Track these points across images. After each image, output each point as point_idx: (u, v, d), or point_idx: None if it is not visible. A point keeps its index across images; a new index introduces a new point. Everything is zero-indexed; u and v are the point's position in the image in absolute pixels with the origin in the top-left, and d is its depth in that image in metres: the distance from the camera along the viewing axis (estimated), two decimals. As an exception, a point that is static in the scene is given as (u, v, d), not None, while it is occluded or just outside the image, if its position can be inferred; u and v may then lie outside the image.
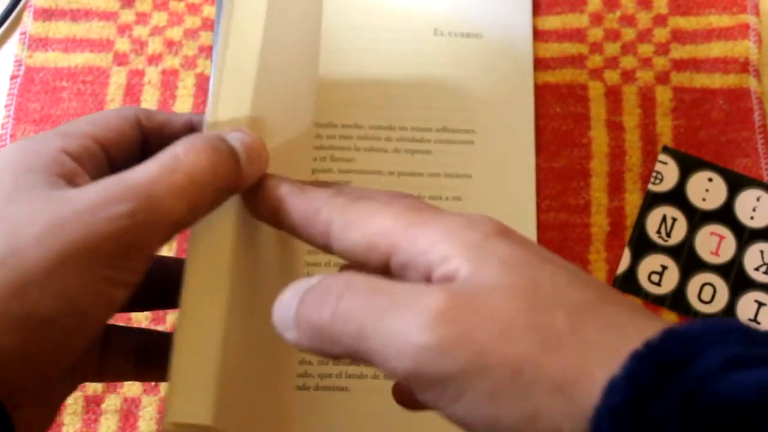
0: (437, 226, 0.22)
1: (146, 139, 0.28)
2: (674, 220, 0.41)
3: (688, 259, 0.40)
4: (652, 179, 0.41)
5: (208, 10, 0.44)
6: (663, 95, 0.42)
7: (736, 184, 0.41)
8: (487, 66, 0.42)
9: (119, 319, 0.38)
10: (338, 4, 0.43)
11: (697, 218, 0.41)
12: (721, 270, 0.40)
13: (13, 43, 0.43)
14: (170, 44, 0.43)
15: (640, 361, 0.18)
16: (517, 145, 0.42)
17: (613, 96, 0.42)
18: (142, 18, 0.44)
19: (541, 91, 0.43)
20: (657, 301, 0.40)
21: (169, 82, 0.42)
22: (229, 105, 0.26)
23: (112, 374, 0.29)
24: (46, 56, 0.43)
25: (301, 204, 0.24)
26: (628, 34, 0.43)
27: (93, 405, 0.37)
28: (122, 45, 0.43)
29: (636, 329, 0.19)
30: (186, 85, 0.43)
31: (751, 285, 0.40)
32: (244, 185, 0.25)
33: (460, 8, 0.43)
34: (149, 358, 0.29)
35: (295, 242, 0.33)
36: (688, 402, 0.17)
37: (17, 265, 0.21)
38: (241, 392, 0.26)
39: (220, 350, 0.24)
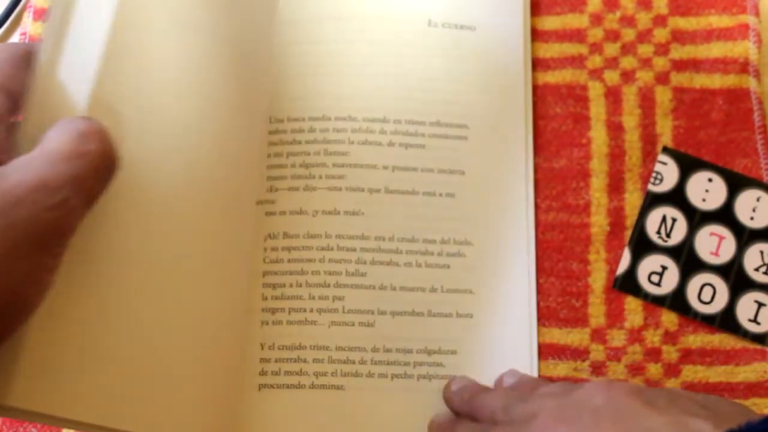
0: None
1: None
2: (674, 220, 0.41)
3: (688, 260, 0.41)
4: (652, 179, 0.42)
5: None
6: (663, 95, 0.43)
7: (736, 184, 0.42)
8: (479, 59, 0.43)
9: None
10: None
11: (697, 218, 0.41)
12: (721, 270, 0.41)
13: (13, 43, 0.44)
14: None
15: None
16: (510, 141, 0.42)
17: (613, 96, 0.43)
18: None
19: (541, 91, 0.44)
20: (657, 302, 0.40)
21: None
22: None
23: None
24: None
25: None
26: (628, 34, 0.44)
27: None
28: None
29: None
30: None
31: (751, 285, 0.40)
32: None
33: None
34: None
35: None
36: None
37: None
38: (103, 381, 0.28)
39: (31, 331, 0.25)
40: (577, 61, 0.44)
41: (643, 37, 0.44)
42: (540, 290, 0.41)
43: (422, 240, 0.40)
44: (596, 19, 0.44)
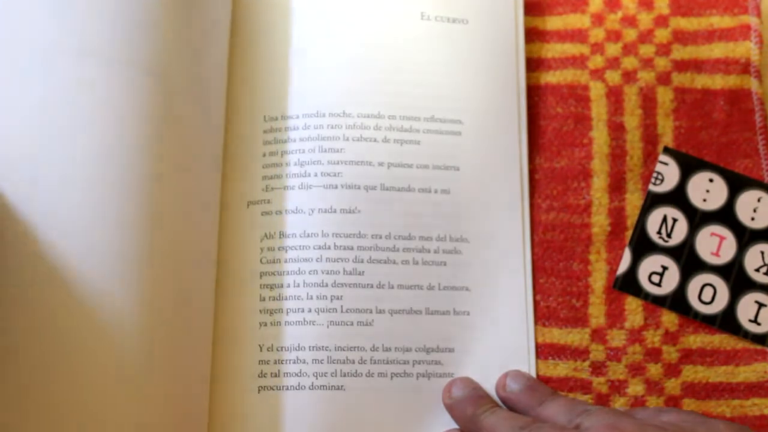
0: None
1: None
2: (675, 220, 0.42)
3: (688, 260, 0.41)
4: (652, 180, 0.43)
5: None
6: (664, 96, 0.44)
7: (737, 184, 0.42)
8: (472, 53, 0.43)
9: None
10: None
11: (697, 219, 0.42)
12: (722, 271, 0.41)
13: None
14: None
15: None
16: (503, 137, 0.43)
17: (614, 96, 0.44)
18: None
19: (542, 92, 0.44)
20: (657, 302, 0.41)
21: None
22: None
23: None
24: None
25: None
26: (630, 34, 0.45)
27: None
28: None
29: None
30: None
31: (752, 286, 0.41)
32: None
33: None
34: None
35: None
36: None
37: None
38: None
39: None
40: (578, 62, 0.44)
41: (645, 37, 0.45)
42: (540, 290, 0.41)
43: (419, 237, 0.41)
44: (598, 20, 0.45)
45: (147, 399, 0.34)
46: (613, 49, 0.45)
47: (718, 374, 0.40)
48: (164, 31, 0.37)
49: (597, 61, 0.44)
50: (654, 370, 0.40)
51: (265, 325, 0.39)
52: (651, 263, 0.41)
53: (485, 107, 0.43)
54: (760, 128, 0.43)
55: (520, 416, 0.37)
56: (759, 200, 0.42)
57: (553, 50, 0.45)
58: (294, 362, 0.39)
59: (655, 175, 0.43)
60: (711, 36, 0.45)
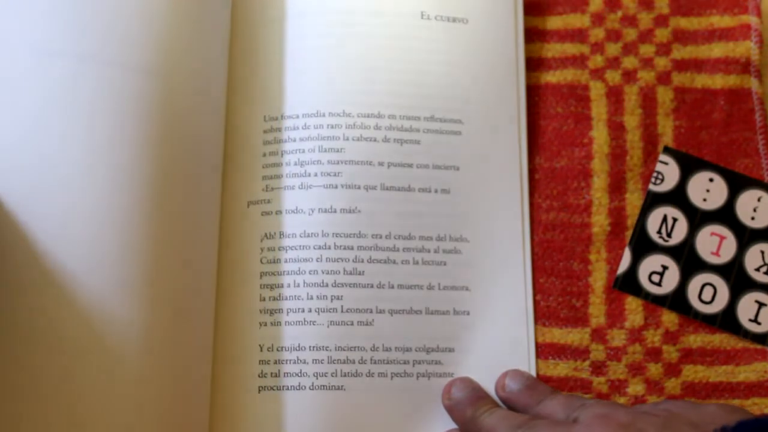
0: None
1: None
2: (675, 220, 0.42)
3: (688, 260, 0.42)
4: (652, 179, 0.43)
5: None
6: (664, 95, 0.44)
7: (737, 184, 0.42)
8: (472, 52, 0.44)
9: None
10: None
11: (697, 218, 0.42)
12: (722, 270, 0.41)
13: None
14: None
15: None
16: (503, 136, 0.43)
17: (615, 96, 0.44)
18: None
19: (542, 91, 0.44)
20: (657, 301, 0.41)
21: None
22: None
23: None
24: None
25: None
26: (630, 34, 0.45)
27: None
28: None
29: None
30: None
31: (752, 285, 0.41)
32: None
33: None
34: None
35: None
36: None
37: None
38: None
39: None
40: (578, 61, 0.45)
41: (645, 37, 0.45)
42: (541, 290, 0.42)
43: (418, 237, 0.41)
44: (598, 19, 0.45)
45: (148, 399, 0.34)
46: (613, 49, 0.45)
47: (718, 374, 0.40)
48: (164, 32, 0.37)
49: (597, 61, 0.45)
50: (654, 369, 0.40)
51: (265, 325, 0.39)
52: (651, 263, 0.42)
53: (485, 107, 0.43)
54: (760, 128, 0.43)
55: (518, 415, 0.37)
56: (759, 200, 0.42)
57: (553, 50, 0.45)
58: (294, 362, 0.39)
59: (655, 174, 0.43)
60: (711, 36, 0.45)
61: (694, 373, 0.40)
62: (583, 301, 0.41)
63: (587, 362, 0.41)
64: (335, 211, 0.40)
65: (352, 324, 0.40)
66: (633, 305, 0.41)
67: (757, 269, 0.41)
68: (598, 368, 0.40)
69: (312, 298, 0.39)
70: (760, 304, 0.41)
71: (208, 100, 0.40)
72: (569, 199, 0.43)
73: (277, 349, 0.39)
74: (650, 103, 0.44)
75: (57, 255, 0.33)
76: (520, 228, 0.42)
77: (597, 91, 0.44)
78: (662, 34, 0.45)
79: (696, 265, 0.42)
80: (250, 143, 0.42)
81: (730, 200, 0.42)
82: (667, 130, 0.44)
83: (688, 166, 0.43)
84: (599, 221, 0.42)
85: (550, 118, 0.44)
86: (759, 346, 0.41)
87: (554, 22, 0.45)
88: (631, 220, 0.43)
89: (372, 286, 0.40)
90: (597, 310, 0.41)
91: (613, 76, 0.44)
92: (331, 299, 0.40)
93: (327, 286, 0.40)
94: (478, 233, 0.42)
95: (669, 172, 0.43)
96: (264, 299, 0.40)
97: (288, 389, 0.39)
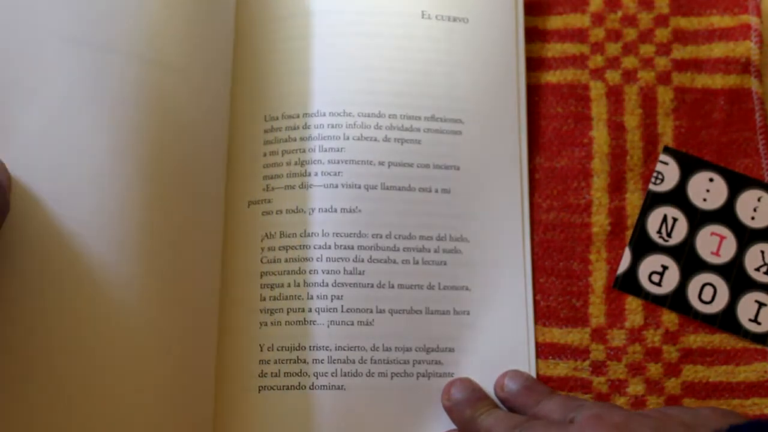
0: None
1: None
2: (675, 220, 0.42)
3: (688, 260, 0.42)
4: (653, 179, 0.43)
5: None
6: (664, 95, 0.44)
7: (737, 184, 0.43)
8: (472, 52, 0.44)
9: None
10: None
11: (697, 218, 0.42)
12: (722, 270, 0.41)
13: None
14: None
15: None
16: (503, 136, 0.43)
17: (615, 96, 0.44)
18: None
19: (542, 91, 0.44)
20: (657, 301, 0.41)
21: None
22: None
23: None
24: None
25: None
26: (630, 34, 0.45)
27: None
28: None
29: None
30: None
31: (752, 285, 0.41)
32: None
33: None
34: None
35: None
36: None
37: None
38: None
39: None
40: (578, 61, 0.45)
41: (645, 36, 0.45)
42: (541, 290, 0.42)
43: (419, 237, 0.41)
44: (598, 19, 0.45)
45: (155, 398, 0.34)
46: (613, 49, 0.45)
47: (718, 374, 0.40)
48: (181, 28, 0.37)
49: (597, 61, 0.45)
50: (654, 369, 0.41)
51: (266, 324, 0.40)
52: (651, 263, 0.42)
53: (486, 106, 0.43)
54: (760, 128, 0.44)
55: (515, 416, 0.37)
56: (759, 200, 0.42)
57: (553, 50, 0.45)
58: (294, 362, 0.39)
59: (655, 174, 0.43)
60: (711, 35, 0.45)
61: (694, 373, 0.40)
62: (583, 301, 0.41)
63: (587, 362, 0.41)
64: (335, 211, 0.41)
65: (352, 324, 0.40)
66: (633, 305, 0.41)
67: (757, 269, 0.41)
68: (598, 368, 0.41)
69: (312, 298, 0.40)
70: (760, 304, 0.41)
71: (217, 97, 0.40)
72: (569, 199, 0.43)
73: (277, 349, 0.39)
74: (650, 103, 0.44)
75: (77, 243, 0.33)
76: (520, 228, 0.42)
77: (597, 91, 0.44)
78: (662, 34, 0.45)
79: (696, 265, 0.42)
80: (251, 143, 0.42)
81: (730, 200, 0.42)
82: (667, 130, 0.44)
83: (688, 166, 0.43)
84: (599, 221, 0.43)
85: (550, 118, 0.44)
86: (759, 346, 0.41)
87: (554, 22, 0.46)
88: (631, 220, 0.43)
89: (372, 286, 0.40)
90: (597, 310, 0.41)
91: (613, 76, 0.44)
92: (332, 299, 0.40)
93: (327, 285, 0.40)
94: (478, 233, 0.42)
95: (669, 172, 0.43)
96: (264, 299, 0.40)
97: (288, 389, 0.39)
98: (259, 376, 0.39)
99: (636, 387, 0.40)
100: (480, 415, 0.38)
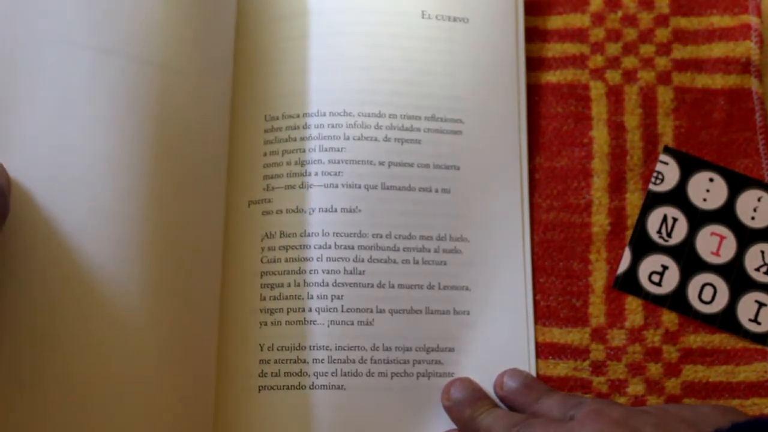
0: None
1: None
2: (675, 220, 0.42)
3: (688, 260, 0.42)
4: (653, 179, 0.43)
5: None
6: (664, 95, 0.44)
7: (737, 184, 0.43)
8: (472, 52, 0.44)
9: None
10: None
11: (697, 218, 0.42)
12: (722, 270, 0.41)
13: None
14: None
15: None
16: (503, 136, 0.43)
17: (615, 96, 0.44)
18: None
19: (542, 91, 0.44)
20: (657, 301, 0.41)
21: None
22: None
23: None
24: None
25: None
26: (630, 34, 0.45)
27: None
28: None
29: None
30: None
31: (752, 285, 0.41)
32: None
33: None
34: None
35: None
36: None
37: None
38: None
39: None
40: (578, 61, 0.45)
41: (645, 36, 0.45)
42: (541, 289, 0.42)
43: (419, 237, 0.41)
44: (598, 19, 0.45)
45: (155, 397, 0.34)
46: (613, 49, 0.45)
47: (718, 374, 0.40)
48: (181, 29, 0.37)
49: (597, 61, 0.45)
50: (654, 369, 0.41)
51: (266, 324, 0.40)
52: (651, 263, 0.42)
53: (486, 106, 0.43)
54: (760, 128, 0.44)
55: (515, 414, 0.37)
56: (759, 200, 0.42)
57: (553, 50, 0.45)
58: (294, 362, 0.39)
59: (655, 174, 0.43)
60: (711, 35, 0.45)
61: (694, 373, 0.40)
62: (583, 300, 0.41)
63: (587, 362, 0.41)
64: (336, 211, 0.41)
65: (352, 324, 0.40)
66: (633, 305, 0.41)
67: (757, 269, 0.41)
68: (598, 368, 0.41)
69: (312, 298, 0.40)
70: (760, 304, 0.41)
71: (218, 97, 0.40)
72: (569, 199, 0.43)
73: (278, 349, 0.39)
74: (650, 103, 0.44)
75: (77, 245, 0.33)
76: (520, 228, 0.42)
77: (597, 90, 0.44)
78: (662, 34, 0.45)
79: (696, 265, 0.42)
80: (251, 143, 0.42)
81: (730, 200, 0.42)
82: (667, 130, 0.44)
83: (688, 166, 0.43)
84: (599, 221, 0.43)
85: (550, 118, 0.44)
86: (759, 346, 0.41)
87: (554, 22, 0.46)
88: (631, 219, 0.43)
89: (372, 286, 0.40)
90: (597, 310, 0.41)
91: (613, 76, 0.44)
92: (332, 299, 0.40)
93: (327, 285, 0.40)
94: (479, 233, 0.42)
95: (669, 172, 0.43)
96: (264, 299, 0.40)
97: (288, 389, 0.39)
98: (259, 375, 0.39)
99: (636, 387, 0.40)
100: (480, 414, 0.38)
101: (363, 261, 0.40)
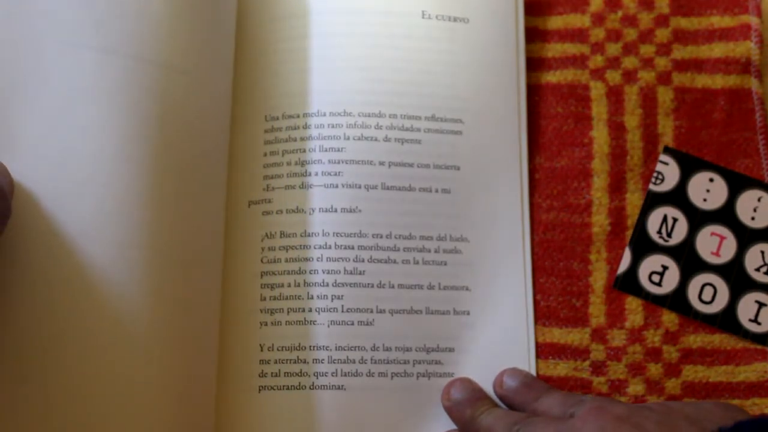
0: None
1: None
2: (675, 220, 0.42)
3: (688, 260, 0.42)
4: (653, 179, 0.43)
5: None
6: (664, 95, 0.44)
7: (737, 184, 0.43)
8: (473, 52, 0.44)
9: None
10: None
11: (697, 218, 0.42)
12: (722, 270, 0.41)
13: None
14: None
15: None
16: (503, 136, 0.43)
17: (615, 96, 0.44)
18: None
19: (542, 91, 0.44)
20: (657, 301, 0.41)
21: None
22: None
23: None
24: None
25: None
26: (630, 34, 0.45)
27: None
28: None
29: None
30: None
31: (752, 285, 0.41)
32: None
33: None
34: None
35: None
36: None
37: None
38: None
39: None
40: (578, 61, 0.45)
41: (645, 37, 0.45)
42: (541, 290, 0.42)
43: (419, 237, 0.41)
44: (598, 19, 0.45)
45: (156, 397, 0.34)
46: (613, 49, 0.45)
47: (718, 374, 0.40)
48: (182, 29, 0.37)
49: (597, 61, 0.45)
50: (654, 369, 0.40)
51: (266, 324, 0.40)
52: (651, 263, 0.42)
53: (486, 106, 0.43)
54: (760, 128, 0.44)
55: (515, 413, 0.37)
56: (759, 200, 0.42)
57: (553, 50, 0.45)
58: (294, 362, 0.39)
59: (655, 174, 0.43)
60: (711, 36, 0.45)
61: (694, 373, 0.40)
62: (583, 301, 0.41)
63: (587, 362, 0.41)
64: (336, 211, 0.41)
65: (352, 324, 0.40)
66: (633, 305, 0.41)
67: (757, 269, 0.41)
68: (598, 368, 0.41)
69: (312, 298, 0.40)
70: (760, 304, 0.41)
71: (218, 97, 0.40)
72: (569, 199, 0.43)
73: (278, 349, 0.39)
74: (650, 103, 0.44)
75: (79, 246, 0.33)
76: (520, 228, 0.42)
77: (597, 91, 0.44)
78: (662, 34, 0.45)
79: (696, 265, 0.42)
80: (252, 143, 0.42)
81: (730, 200, 0.42)
82: (667, 130, 0.44)
83: (688, 166, 0.43)
84: (599, 221, 0.43)
85: (550, 118, 0.44)
86: (759, 346, 0.41)
87: (554, 22, 0.46)
88: (631, 220, 0.43)
89: (372, 286, 0.40)
90: (597, 310, 0.41)
91: (614, 76, 0.44)
92: (332, 299, 0.40)
93: (327, 285, 0.40)
94: (479, 233, 0.42)
95: (669, 172, 0.43)
96: (264, 299, 0.40)
97: (288, 389, 0.39)
98: (259, 376, 0.39)
99: (636, 387, 0.40)
100: (480, 414, 0.38)
101: (363, 261, 0.40)
